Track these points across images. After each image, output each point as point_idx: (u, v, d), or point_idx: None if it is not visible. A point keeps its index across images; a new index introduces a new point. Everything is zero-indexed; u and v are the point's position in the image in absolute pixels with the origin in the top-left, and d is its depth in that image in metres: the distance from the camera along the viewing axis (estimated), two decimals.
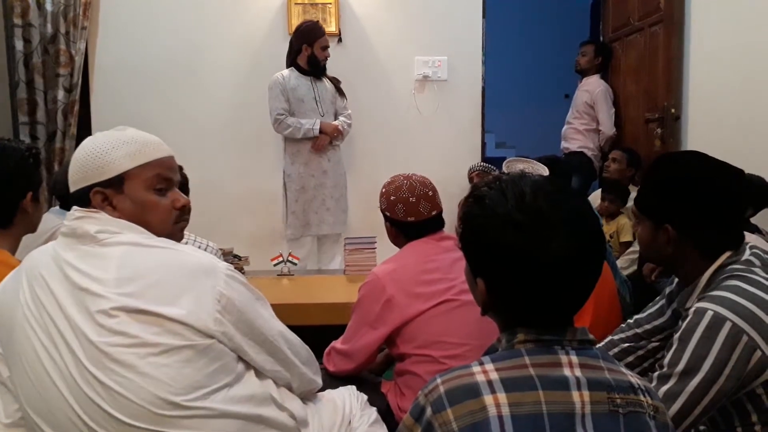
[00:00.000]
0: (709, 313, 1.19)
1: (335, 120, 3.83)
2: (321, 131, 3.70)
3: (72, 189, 1.23)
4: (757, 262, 1.28)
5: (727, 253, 1.29)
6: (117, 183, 1.20)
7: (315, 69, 3.75)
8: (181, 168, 2.34)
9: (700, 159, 1.34)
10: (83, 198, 1.21)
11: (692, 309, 1.23)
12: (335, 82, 3.88)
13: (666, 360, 1.23)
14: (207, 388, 1.10)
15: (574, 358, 0.88)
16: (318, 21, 3.87)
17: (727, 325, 1.17)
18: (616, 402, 0.86)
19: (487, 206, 0.92)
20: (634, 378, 0.91)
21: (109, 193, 1.20)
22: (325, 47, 3.75)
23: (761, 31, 2.92)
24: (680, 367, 1.19)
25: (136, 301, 1.08)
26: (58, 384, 1.08)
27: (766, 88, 2.96)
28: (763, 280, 1.24)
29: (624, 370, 0.92)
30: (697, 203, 1.28)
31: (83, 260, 1.13)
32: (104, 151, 1.20)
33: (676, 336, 1.23)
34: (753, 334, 1.16)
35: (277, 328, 1.27)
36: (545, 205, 0.88)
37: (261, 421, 1.18)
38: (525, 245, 0.87)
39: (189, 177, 2.37)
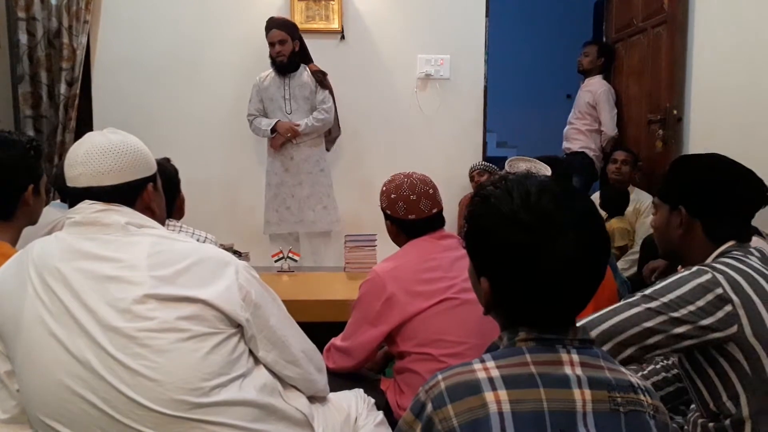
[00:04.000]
0: (697, 267, 1.31)
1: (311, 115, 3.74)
2: (276, 130, 3.70)
3: (116, 181, 1.19)
4: (756, 253, 1.37)
5: (731, 242, 1.38)
6: (156, 178, 1.30)
7: (275, 66, 3.71)
8: (168, 160, 2.34)
9: (720, 158, 1.47)
10: (132, 190, 1.22)
11: None
12: (317, 76, 3.77)
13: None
14: (227, 376, 1.13)
15: (575, 357, 0.88)
16: (273, 17, 3.73)
17: (707, 275, 1.27)
18: (617, 401, 0.86)
19: (492, 205, 0.91)
20: (633, 378, 0.91)
21: (158, 186, 1.30)
22: (272, 43, 3.64)
23: (764, 33, 2.92)
24: (647, 291, 1.29)
25: (168, 286, 1.11)
26: (72, 376, 1.07)
27: None
28: (755, 263, 1.32)
29: (623, 369, 0.92)
30: (707, 188, 1.41)
31: (109, 248, 1.14)
32: (144, 147, 1.26)
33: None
34: (729, 290, 1.24)
35: (291, 331, 1.29)
36: (551, 205, 0.88)
37: (273, 412, 1.20)
38: (530, 245, 0.87)
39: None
